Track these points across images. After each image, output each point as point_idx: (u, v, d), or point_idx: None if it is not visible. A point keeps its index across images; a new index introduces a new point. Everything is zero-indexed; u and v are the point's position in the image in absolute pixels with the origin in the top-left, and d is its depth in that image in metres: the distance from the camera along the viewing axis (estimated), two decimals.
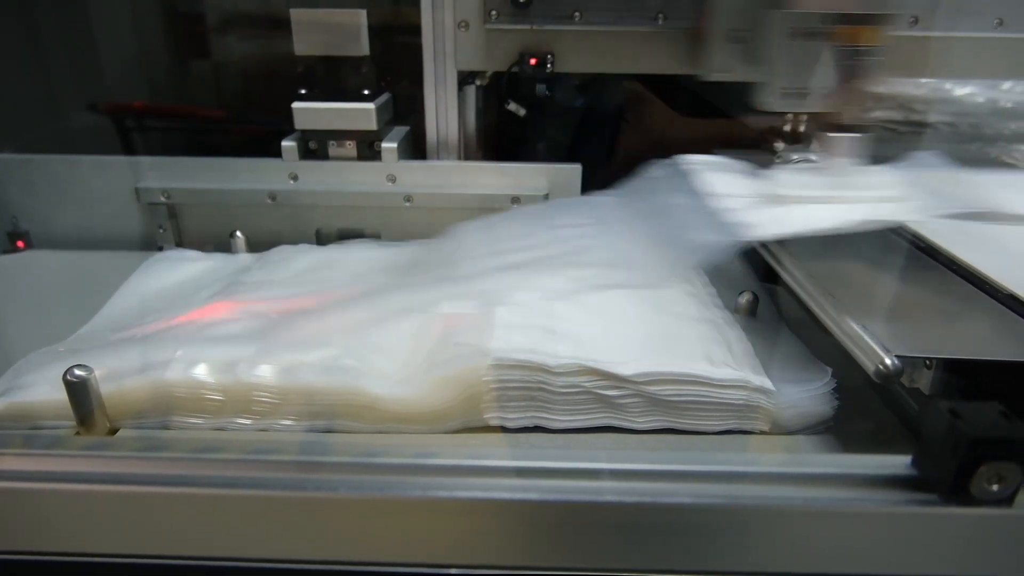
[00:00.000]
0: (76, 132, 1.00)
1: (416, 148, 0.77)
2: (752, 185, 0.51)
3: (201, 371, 0.42)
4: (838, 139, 0.49)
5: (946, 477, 0.28)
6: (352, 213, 0.72)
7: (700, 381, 0.42)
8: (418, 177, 0.71)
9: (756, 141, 0.73)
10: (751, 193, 0.50)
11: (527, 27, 0.68)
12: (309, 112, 0.68)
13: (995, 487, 0.28)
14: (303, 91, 0.68)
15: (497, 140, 0.82)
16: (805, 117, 0.72)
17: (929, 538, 0.29)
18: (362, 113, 0.68)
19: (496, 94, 0.77)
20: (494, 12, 0.67)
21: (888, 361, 0.36)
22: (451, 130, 0.75)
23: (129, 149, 1.02)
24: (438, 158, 0.76)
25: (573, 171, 0.71)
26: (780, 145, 0.70)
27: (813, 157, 0.69)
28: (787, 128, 0.73)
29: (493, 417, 0.43)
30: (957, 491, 0.28)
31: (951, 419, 0.27)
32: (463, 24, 0.69)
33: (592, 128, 0.83)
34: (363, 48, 0.67)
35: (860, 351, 0.38)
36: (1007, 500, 0.28)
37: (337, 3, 0.68)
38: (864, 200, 0.49)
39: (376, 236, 0.72)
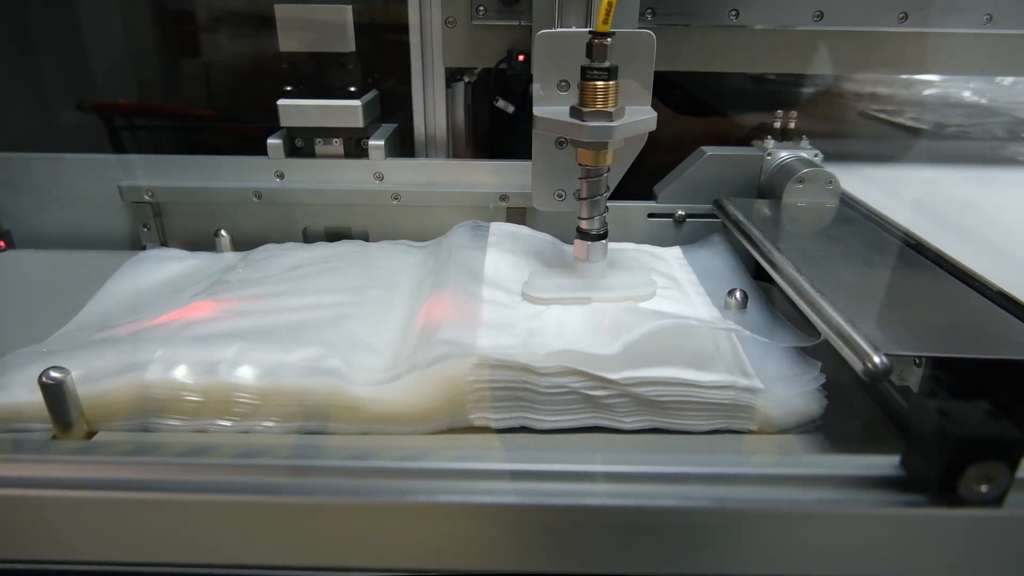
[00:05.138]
0: (63, 131, 1.00)
1: (404, 145, 0.76)
2: (514, 276, 0.54)
3: (180, 372, 0.41)
4: (589, 246, 0.51)
5: (934, 477, 0.27)
6: (339, 211, 0.71)
7: (687, 382, 0.42)
8: (406, 175, 0.71)
9: (746, 138, 0.73)
10: (510, 286, 0.53)
11: (515, 23, 0.67)
12: (294, 109, 0.68)
13: (984, 488, 0.27)
14: (288, 88, 0.68)
15: (487, 137, 0.81)
16: (794, 114, 0.73)
17: (918, 540, 0.29)
18: (348, 110, 0.68)
19: (486, 91, 0.76)
20: (481, 8, 0.67)
21: (877, 360, 0.36)
22: (439, 127, 0.74)
23: (118, 148, 1.01)
24: (426, 155, 0.75)
25: None
26: (770, 142, 0.70)
27: (803, 155, 0.69)
28: (777, 125, 0.73)
29: (478, 418, 0.42)
30: (945, 492, 0.27)
31: (939, 419, 0.27)
32: (450, 21, 0.69)
33: None
34: (349, 44, 0.66)
35: (849, 349, 0.38)
36: (996, 501, 0.27)
37: None
38: (607, 300, 0.51)
39: (364, 235, 0.72)
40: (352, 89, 0.68)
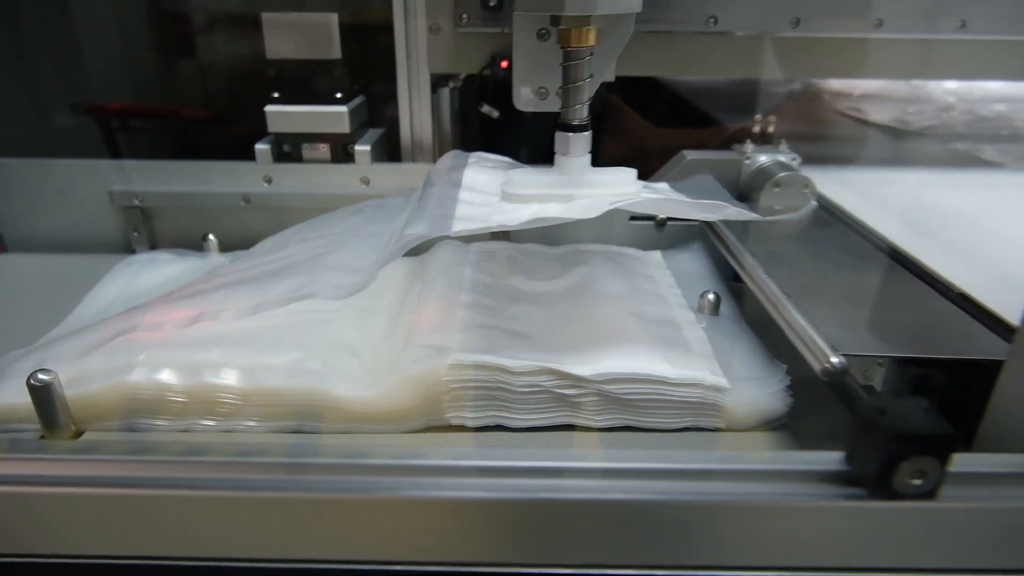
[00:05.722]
0: (57, 134, 1.01)
1: (393, 150, 0.78)
2: (496, 183, 0.51)
3: (165, 374, 0.43)
4: (570, 138, 0.49)
5: (872, 472, 0.29)
6: None
7: (656, 380, 0.43)
8: (391, 179, 0.72)
9: (726, 145, 0.74)
10: (492, 191, 0.50)
11: (498, 30, 0.69)
12: (281, 115, 0.69)
13: (917, 481, 0.29)
14: (276, 94, 0.69)
15: (474, 142, 0.82)
16: (773, 119, 0.74)
17: (859, 531, 0.30)
18: (334, 116, 0.69)
19: (472, 96, 0.78)
20: (464, 16, 0.68)
21: (834, 359, 0.37)
22: (425, 132, 0.76)
23: (113, 150, 1.03)
24: (413, 160, 0.76)
25: None
26: (749, 146, 0.71)
27: (782, 159, 0.71)
28: (756, 129, 0.74)
29: (454, 417, 0.44)
30: (882, 486, 0.29)
31: (876, 416, 0.28)
32: (434, 28, 0.70)
33: None
34: (335, 51, 0.68)
35: (808, 349, 0.39)
36: (929, 494, 0.29)
37: (315, 6, 0.69)
38: (590, 196, 0.48)
39: None
40: (338, 95, 0.69)
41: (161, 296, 0.53)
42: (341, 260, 0.49)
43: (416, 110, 0.75)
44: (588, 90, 0.49)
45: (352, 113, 0.70)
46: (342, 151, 0.72)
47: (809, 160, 0.71)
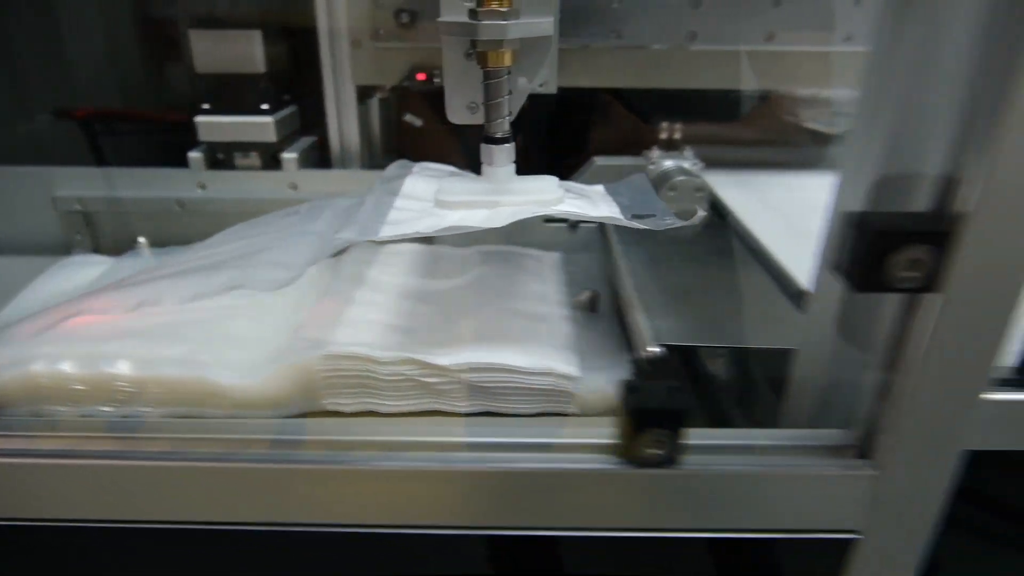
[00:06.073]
0: (27, 139, 1.04)
1: (327, 158, 0.82)
2: (429, 191, 0.55)
3: (66, 364, 0.47)
4: (493, 149, 0.53)
5: (622, 444, 0.33)
6: None
7: (510, 369, 0.47)
8: (318, 184, 0.76)
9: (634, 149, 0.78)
10: (428, 198, 0.54)
11: (413, 45, 0.73)
12: (211, 125, 0.74)
13: (658, 451, 0.33)
14: (205, 106, 0.73)
15: (404, 150, 0.87)
16: (679, 126, 0.78)
17: (617, 495, 0.35)
18: (261, 126, 0.74)
19: (397, 106, 0.82)
20: (381, 31, 0.73)
21: (651, 348, 0.42)
22: (353, 140, 0.80)
23: (82, 155, 1.06)
24: (343, 167, 0.81)
25: None
26: (655, 152, 0.76)
27: (686, 164, 0.75)
28: (663, 136, 0.79)
29: (331, 403, 0.48)
30: (631, 455, 0.33)
31: (625, 393, 0.32)
32: (356, 42, 0.74)
33: None
34: (259, 67, 0.72)
35: (635, 341, 0.43)
36: (667, 462, 0.33)
37: (250, 23, 0.73)
38: (514, 204, 0.52)
39: None
40: (264, 107, 0.74)
41: (102, 288, 0.57)
42: (275, 256, 0.52)
43: (344, 119, 0.79)
44: (508, 105, 0.53)
45: (279, 123, 0.75)
46: (272, 158, 0.76)
47: (726, 164, 0.75)
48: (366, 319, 0.53)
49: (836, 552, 0.36)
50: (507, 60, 0.52)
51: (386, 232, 0.48)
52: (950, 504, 0.37)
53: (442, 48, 0.57)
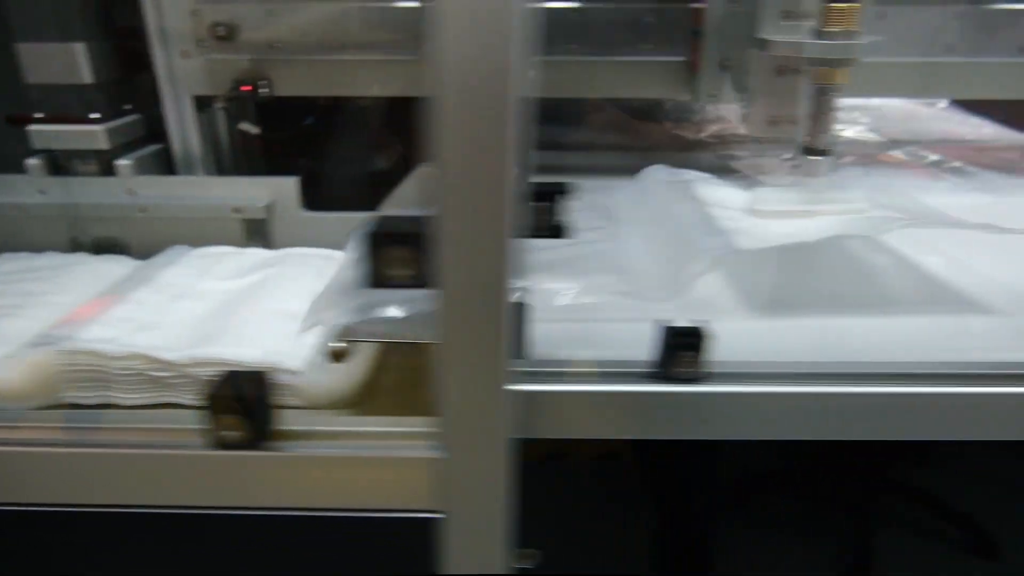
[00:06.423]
0: None
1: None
2: (738, 199, 0.58)
3: None
4: (814, 161, 0.57)
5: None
6: (98, 224, 0.80)
7: (235, 363, 0.50)
8: (154, 190, 0.80)
9: None
10: (740, 207, 0.57)
11: (235, 57, 0.77)
12: (43, 133, 0.77)
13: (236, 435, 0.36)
14: (38, 115, 0.77)
15: (248, 156, 0.90)
16: None
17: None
18: (92, 134, 0.77)
19: (237, 115, 0.85)
20: (204, 43, 0.76)
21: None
22: (194, 147, 0.83)
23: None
24: (187, 173, 0.84)
25: (291, 184, 0.79)
26: None
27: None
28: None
29: (70, 396, 0.51)
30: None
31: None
32: (185, 53, 0.78)
33: (322, 144, 0.92)
34: (87, 77, 0.76)
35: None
36: (249, 445, 0.37)
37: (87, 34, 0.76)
38: (834, 213, 0.55)
39: (126, 245, 0.80)
40: (94, 115, 0.77)
41: None
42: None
43: (186, 127, 0.83)
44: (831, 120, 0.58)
45: (112, 131, 0.78)
46: (109, 165, 0.80)
47: None
48: (126, 317, 0.56)
49: (427, 529, 0.40)
50: (844, 77, 0.56)
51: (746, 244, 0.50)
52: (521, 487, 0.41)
53: (749, 64, 0.62)
